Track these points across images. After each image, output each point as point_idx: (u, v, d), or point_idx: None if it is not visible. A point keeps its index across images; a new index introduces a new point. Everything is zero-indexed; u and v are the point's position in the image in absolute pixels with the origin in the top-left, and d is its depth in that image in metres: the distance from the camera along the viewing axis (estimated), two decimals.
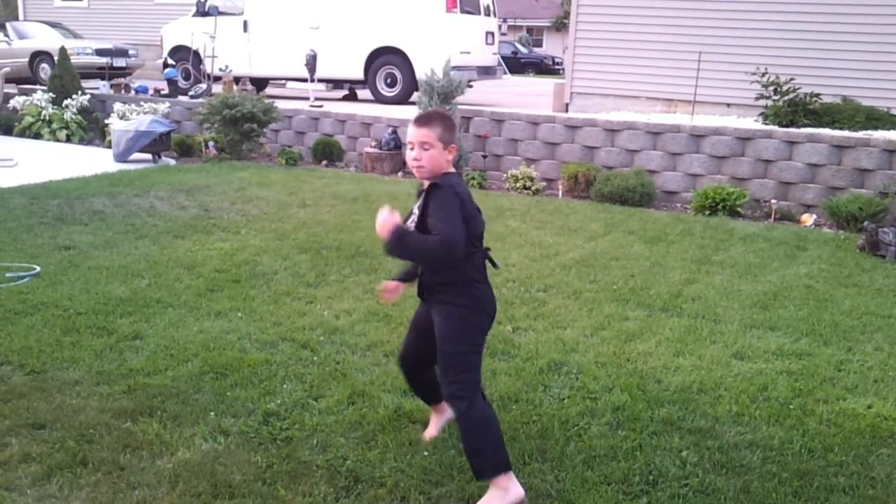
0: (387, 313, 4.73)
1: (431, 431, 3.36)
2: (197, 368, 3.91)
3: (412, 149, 2.85)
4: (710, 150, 8.88)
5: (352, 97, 14.84)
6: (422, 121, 2.86)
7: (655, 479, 3.05)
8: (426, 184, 2.87)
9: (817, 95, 9.18)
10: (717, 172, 8.88)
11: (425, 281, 2.95)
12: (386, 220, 2.71)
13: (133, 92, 13.75)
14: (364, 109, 11.72)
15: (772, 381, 3.99)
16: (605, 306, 5.10)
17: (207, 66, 13.56)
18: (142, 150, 10.46)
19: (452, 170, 2.87)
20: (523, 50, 39.36)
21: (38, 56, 15.91)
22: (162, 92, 13.49)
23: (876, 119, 8.96)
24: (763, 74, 9.32)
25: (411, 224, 2.84)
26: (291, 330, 4.48)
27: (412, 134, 2.86)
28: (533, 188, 9.25)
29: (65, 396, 3.57)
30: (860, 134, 8.41)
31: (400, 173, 10.21)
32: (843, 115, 8.99)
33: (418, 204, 2.86)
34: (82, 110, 12.44)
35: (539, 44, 47.30)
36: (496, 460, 2.83)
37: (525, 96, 16.22)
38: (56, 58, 13.05)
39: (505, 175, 9.64)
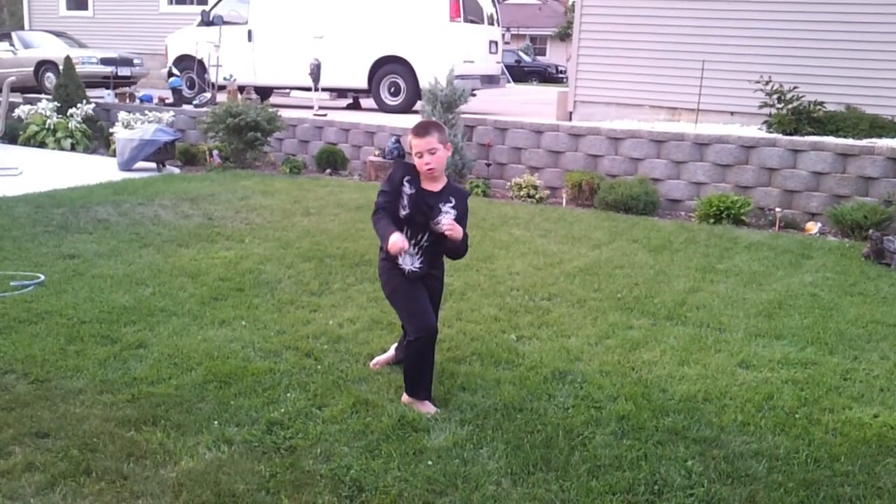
0: (390, 321, 4.72)
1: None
2: (200, 377, 3.90)
3: (421, 156, 3.44)
4: (714, 158, 8.88)
5: (355, 106, 14.87)
6: (423, 131, 3.45)
7: (661, 488, 3.04)
8: (439, 185, 3.54)
9: (821, 104, 9.18)
10: (721, 181, 8.87)
11: (425, 267, 3.63)
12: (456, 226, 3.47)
13: (137, 101, 13.82)
14: (368, 118, 11.74)
15: (777, 391, 3.97)
16: (609, 315, 5.09)
17: (212, 75, 13.61)
18: (146, 159, 10.49)
19: None
20: (526, 58, 39.49)
21: (43, 65, 16.00)
22: (166, 101, 13.54)
23: (880, 127, 8.95)
24: (767, 83, 9.32)
25: (449, 217, 3.45)
26: (295, 339, 4.47)
27: (418, 144, 3.44)
28: (537, 196, 9.25)
29: (68, 405, 3.57)
30: (864, 142, 8.39)
31: None
32: (847, 124, 8.98)
33: (450, 204, 3.52)
34: (87, 119, 12.49)
35: (542, 52, 47.47)
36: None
37: (528, 105, 16.25)
38: (61, 67, 13.11)
39: (508, 183, 9.64)
